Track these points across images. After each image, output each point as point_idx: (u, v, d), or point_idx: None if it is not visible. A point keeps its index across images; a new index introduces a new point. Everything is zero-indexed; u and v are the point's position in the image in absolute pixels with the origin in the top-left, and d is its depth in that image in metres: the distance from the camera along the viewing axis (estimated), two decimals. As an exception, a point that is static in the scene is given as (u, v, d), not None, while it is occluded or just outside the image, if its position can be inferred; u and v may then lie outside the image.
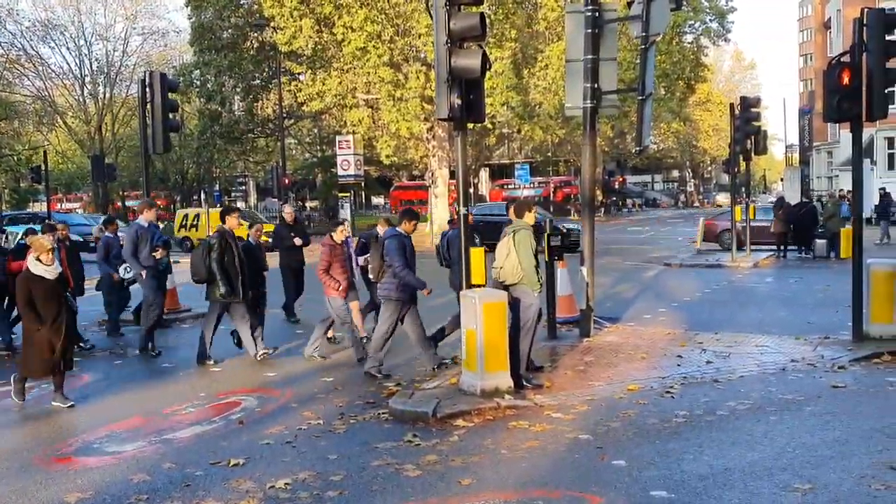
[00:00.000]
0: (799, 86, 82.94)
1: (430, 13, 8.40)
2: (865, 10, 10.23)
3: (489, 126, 35.23)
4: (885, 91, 10.23)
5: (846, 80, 10.10)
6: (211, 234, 10.77)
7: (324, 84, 33.29)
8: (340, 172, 36.55)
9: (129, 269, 11.90)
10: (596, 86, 9.85)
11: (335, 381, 9.43)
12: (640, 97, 9.67)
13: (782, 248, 23.72)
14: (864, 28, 10.03)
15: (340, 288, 10.22)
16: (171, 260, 12.80)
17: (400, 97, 32.22)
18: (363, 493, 5.81)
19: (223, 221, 10.49)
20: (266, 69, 40.98)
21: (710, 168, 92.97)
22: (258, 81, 41.97)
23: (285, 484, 5.96)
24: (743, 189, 25.87)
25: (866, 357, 9.61)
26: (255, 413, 8.06)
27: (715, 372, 9.08)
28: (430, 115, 33.36)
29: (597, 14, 9.92)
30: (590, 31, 9.92)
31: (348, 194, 37.69)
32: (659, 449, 6.59)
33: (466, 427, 7.33)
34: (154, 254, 11.39)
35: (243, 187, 76.03)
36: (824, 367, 9.24)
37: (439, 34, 8.09)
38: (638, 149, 10.13)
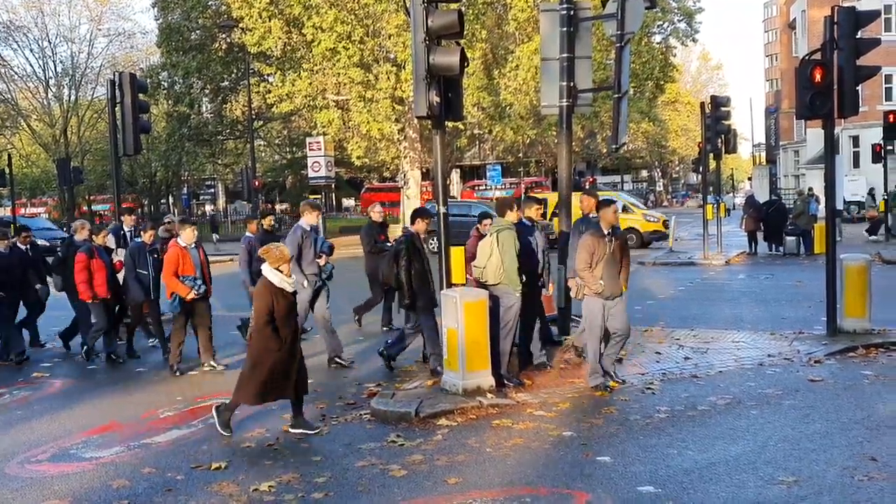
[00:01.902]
0: (765, 86, 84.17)
1: (407, 11, 8.34)
2: (836, 8, 10.36)
3: (461, 127, 35.18)
4: (856, 88, 10.38)
5: (818, 77, 10.22)
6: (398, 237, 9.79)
7: (293, 85, 33.04)
8: (311, 174, 36.31)
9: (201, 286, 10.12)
10: (572, 84, 9.86)
11: (315, 383, 9.26)
12: (617, 95, 9.68)
13: (754, 244, 24.01)
14: (836, 26, 10.16)
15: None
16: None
17: (370, 98, 32.09)
18: (349, 493, 5.74)
19: (412, 223, 9.52)
20: (235, 70, 40.56)
21: (678, 168, 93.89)
22: (227, 83, 41.52)
23: (269, 486, 5.88)
24: (712, 188, 26.12)
25: (841, 351, 9.74)
26: (235, 416, 7.94)
27: (694, 368, 9.14)
28: (401, 115, 33.27)
29: (572, 12, 9.93)
30: (565, 29, 9.92)
31: (319, 196, 37.43)
32: (643, 444, 6.61)
33: (450, 426, 7.29)
34: (318, 260, 10.14)
35: (212, 190, 75.36)
36: (801, 362, 9.34)
37: (417, 32, 8.04)
38: (614, 147, 10.15)
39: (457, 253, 8.84)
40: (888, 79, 39.83)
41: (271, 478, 6.06)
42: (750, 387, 8.31)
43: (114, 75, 14.98)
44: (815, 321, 11.39)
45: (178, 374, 9.87)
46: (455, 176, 55.06)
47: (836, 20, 10.22)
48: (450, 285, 8.44)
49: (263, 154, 61.20)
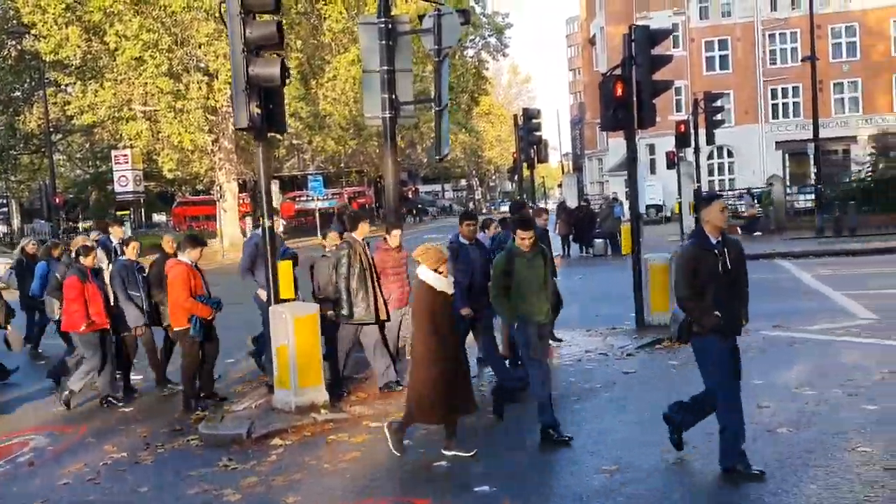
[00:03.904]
0: (570, 98, 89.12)
1: (223, 20, 8.10)
2: (633, 26, 11.19)
3: (278, 137, 34.60)
4: (653, 101, 11.25)
5: (619, 91, 10.98)
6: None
7: (96, 95, 31.12)
8: (118, 189, 34.37)
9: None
10: (394, 96, 9.98)
11: (135, 410, 8.83)
12: (437, 108, 9.93)
13: (567, 247, 25.36)
14: (633, 43, 10.97)
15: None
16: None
17: (181, 108, 30.84)
18: (182, 525, 5.48)
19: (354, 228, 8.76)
20: (28, 80, 37.61)
21: (495, 176, 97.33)
22: (19, 94, 38.40)
23: (92, 526, 5.50)
24: (527, 196, 27.33)
25: (650, 344, 10.48)
26: (48, 452, 7.36)
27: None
28: (214, 126, 32.21)
29: (390, 26, 10.06)
30: (384, 42, 10.04)
31: (127, 212, 35.45)
32: (478, 446, 6.78)
33: (284, 445, 7.14)
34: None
35: (4, 209, 69.13)
36: (615, 356, 9.97)
37: (235, 43, 7.83)
38: (437, 157, 10.38)
39: (284, 267, 8.65)
40: (678, 91, 43.44)
41: (94, 516, 5.68)
42: (571, 382, 8.76)
43: None
44: (626, 317, 12.17)
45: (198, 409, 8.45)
46: (274, 187, 53.94)
47: (633, 37, 11.03)
48: (278, 301, 8.26)
49: (63, 169, 57.04)
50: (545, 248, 6.91)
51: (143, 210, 63.64)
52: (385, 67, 10.01)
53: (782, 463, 5.83)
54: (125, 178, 34.02)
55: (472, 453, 6.44)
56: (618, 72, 11.34)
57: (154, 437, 7.67)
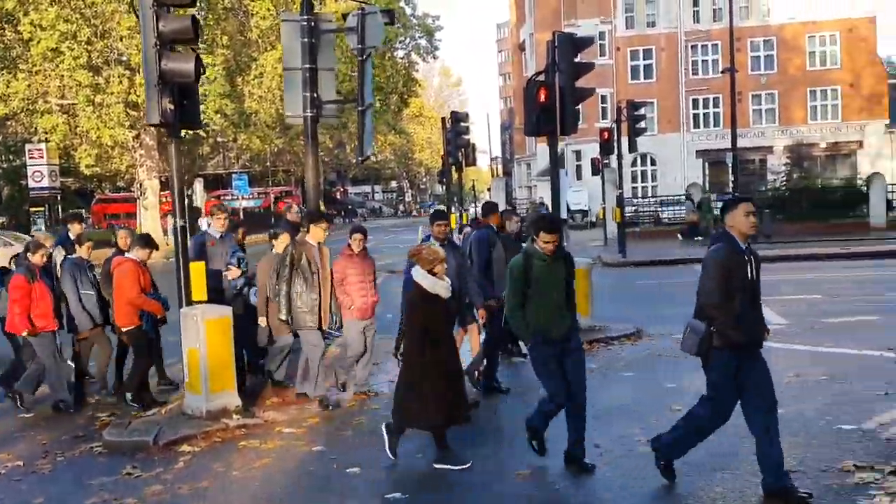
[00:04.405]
0: (500, 102, 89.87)
1: (135, 13, 7.83)
2: (557, 33, 11.29)
3: (202, 134, 33.86)
4: (576, 108, 11.37)
5: (543, 97, 11.06)
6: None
7: (8, 87, 29.83)
8: (32, 185, 33.03)
9: None
10: (316, 95, 9.82)
11: (36, 416, 8.43)
12: (360, 108, 9.82)
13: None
14: (556, 50, 11.07)
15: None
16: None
17: (101, 103, 29.86)
18: (77, 537, 5.24)
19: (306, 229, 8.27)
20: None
21: (425, 179, 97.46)
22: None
23: (-21, 540, 5.20)
24: (456, 198, 27.39)
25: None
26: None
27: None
28: (136, 121, 31.28)
29: (313, 24, 9.90)
30: (306, 40, 9.88)
31: (42, 209, 34.14)
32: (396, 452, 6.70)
33: (193, 452, 6.91)
34: (226, 272, 8.80)
35: None
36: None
37: (147, 36, 7.58)
38: (360, 158, 10.27)
39: (196, 268, 8.39)
40: (603, 99, 44.29)
41: (-18, 529, 5.38)
42: (493, 387, 8.73)
43: None
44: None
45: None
46: (198, 186, 52.79)
47: (556, 44, 11.13)
48: (189, 303, 8.01)
49: (-28, 162, 54.59)
50: (567, 251, 6.19)
51: (59, 207, 61.42)
52: (307, 65, 9.85)
53: (690, 466, 5.91)
54: (40, 174, 32.74)
55: (466, 465, 6.10)
56: (541, 77, 11.43)
57: (55, 444, 7.35)
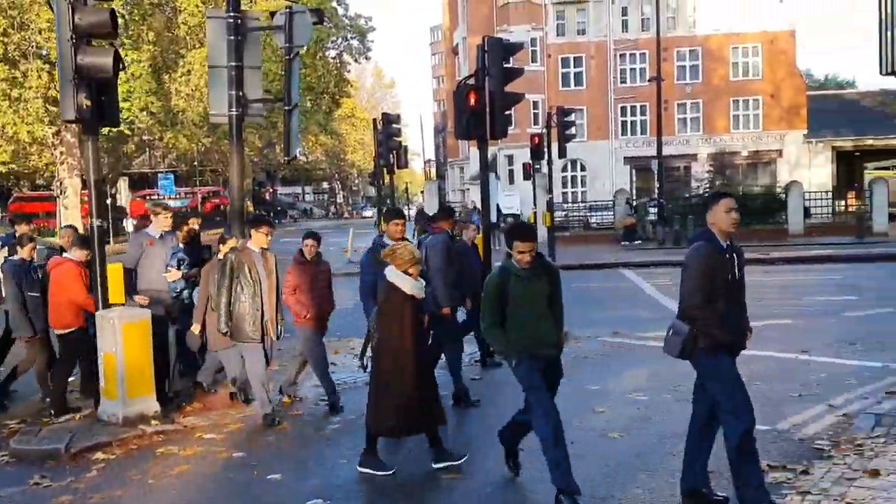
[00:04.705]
0: (434, 105, 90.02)
1: (50, 5, 7.54)
2: (486, 38, 11.33)
3: (127, 132, 32.90)
4: (505, 113, 11.42)
5: (473, 101, 11.08)
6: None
7: (-82, 78, 28.48)
8: (-56, 181, 31.48)
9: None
10: (241, 93, 9.63)
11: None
12: (287, 108, 9.67)
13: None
14: (486, 54, 11.10)
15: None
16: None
17: (18, 97, 28.73)
18: (-22, 552, 4.99)
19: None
20: None
21: (357, 180, 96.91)
22: None
23: None
24: (388, 201, 27.28)
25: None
26: None
27: (367, 376, 9.33)
28: (56, 117, 30.18)
29: (239, 21, 9.71)
30: (232, 37, 9.68)
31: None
32: (315, 457, 6.61)
33: (107, 460, 6.68)
34: (166, 274, 8.32)
35: None
36: (462, 363, 10.00)
37: (62, 29, 7.29)
38: (287, 158, 10.11)
39: (113, 271, 8.12)
40: (535, 105, 44.76)
41: None
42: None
43: None
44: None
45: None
46: (123, 184, 51.34)
47: (486, 49, 11.17)
48: (106, 305, 7.75)
49: None
50: (551, 263, 5.60)
51: (-27, 205, 58.86)
52: (233, 63, 9.65)
53: (612, 468, 5.99)
54: (-49, 170, 31.28)
55: (461, 460, 6.05)
56: (472, 81, 11.45)
57: (-42, 454, 6.99)
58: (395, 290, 5.89)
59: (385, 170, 24.38)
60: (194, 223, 9.39)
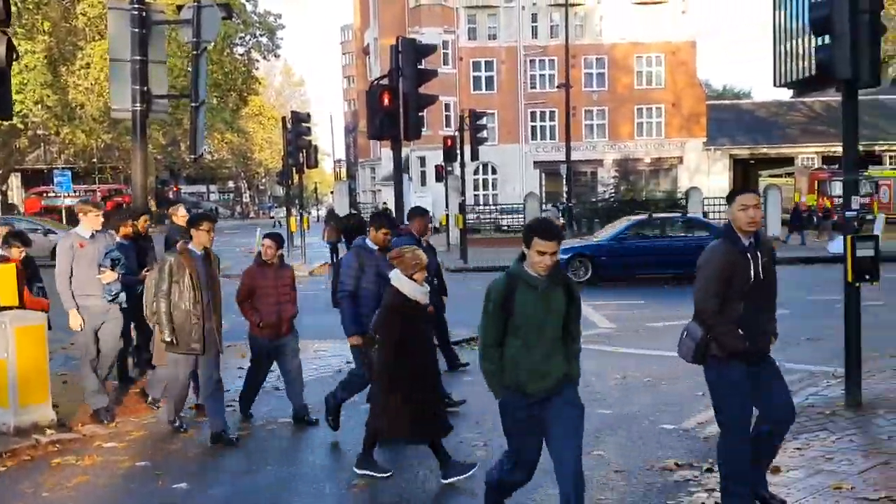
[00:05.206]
0: (344, 105, 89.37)
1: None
2: (400, 38, 11.30)
3: (20, 126, 31.34)
4: (419, 114, 11.42)
5: (386, 101, 11.03)
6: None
7: None
8: None
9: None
10: (146, 89, 9.30)
11: None
12: (194, 104, 9.41)
13: (335, 255, 25.21)
14: (400, 55, 11.07)
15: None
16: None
17: None
18: None
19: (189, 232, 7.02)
20: None
21: (264, 180, 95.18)
22: None
23: None
24: (297, 201, 26.90)
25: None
26: None
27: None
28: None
29: (143, 14, 9.37)
30: (136, 30, 9.34)
31: None
32: (222, 466, 6.41)
33: (-4, 473, 6.29)
34: (100, 276, 7.51)
35: None
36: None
37: (-50, 13, 6.86)
38: (192, 156, 9.82)
39: (5, 271, 7.65)
40: (447, 107, 45.01)
41: None
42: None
43: None
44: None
45: None
46: (15, 181, 48.95)
47: (400, 49, 11.13)
48: (-2, 308, 7.30)
49: None
50: (570, 278, 4.53)
51: None
52: (137, 57, 9.31)
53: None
54: None
55: (472, 470, 5.74)
56: (385, 82, 11.40)
57: None
58: (400, 294, 5.70)
59: (294, 169, 24.06)
60: (144, 221, 8.92)
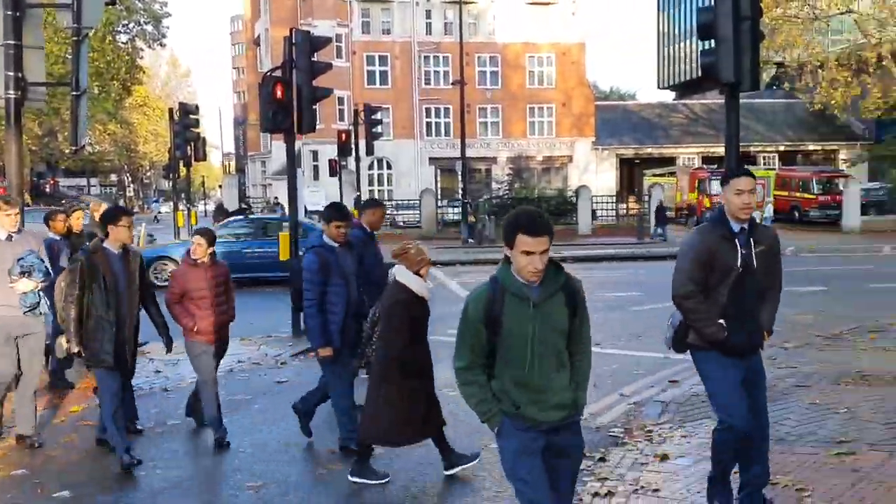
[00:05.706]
0: (233, 97, 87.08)
1: None
2: (294, 29, 11.08)
3: None
4: (313, 107, 11.24)
5: (279, 94, 10.80)
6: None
7: None
8: None
9: None
10: (20, 75, 8.74)
11: None
12: (75, 93, 8.90)
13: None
14: (294, 47, 10.86)
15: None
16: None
17: None
18: None
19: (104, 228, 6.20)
20: None
21: (149, 173, 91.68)
22: None
23: None
24: (184, 195, 26.04)
25: (304, 351, 10.38)
26: None
27: (164, 381, 8.86)
28: None
29: (19, -5, 8.81)
30: (10, 13, 8.78)
31: None
32: (107, 471, 6.12)
33: None
34: (12, 286, 6.42)
35: None
36: (268, 365, 9.74)
37: None
38: (73, 148, 9.31)
39: None
40: (340, 101, 44.58)
41: None
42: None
43: None
44: (283, 325, 11.97)
45: None
46: None
47: (294, 41, 10.92)
48: None
49: None
50: (571, 277, 3.62)
51: None
52: (11, 41, 8.75)
53: (440, 472, 6.03)
54: None
55: (476, 459, 5.80)
56: (278, 74, 11.16)
57: None
58: (404, 290, 5.54)
59: (181, 162, 23.28)
60: (77, 217, 8.25)
